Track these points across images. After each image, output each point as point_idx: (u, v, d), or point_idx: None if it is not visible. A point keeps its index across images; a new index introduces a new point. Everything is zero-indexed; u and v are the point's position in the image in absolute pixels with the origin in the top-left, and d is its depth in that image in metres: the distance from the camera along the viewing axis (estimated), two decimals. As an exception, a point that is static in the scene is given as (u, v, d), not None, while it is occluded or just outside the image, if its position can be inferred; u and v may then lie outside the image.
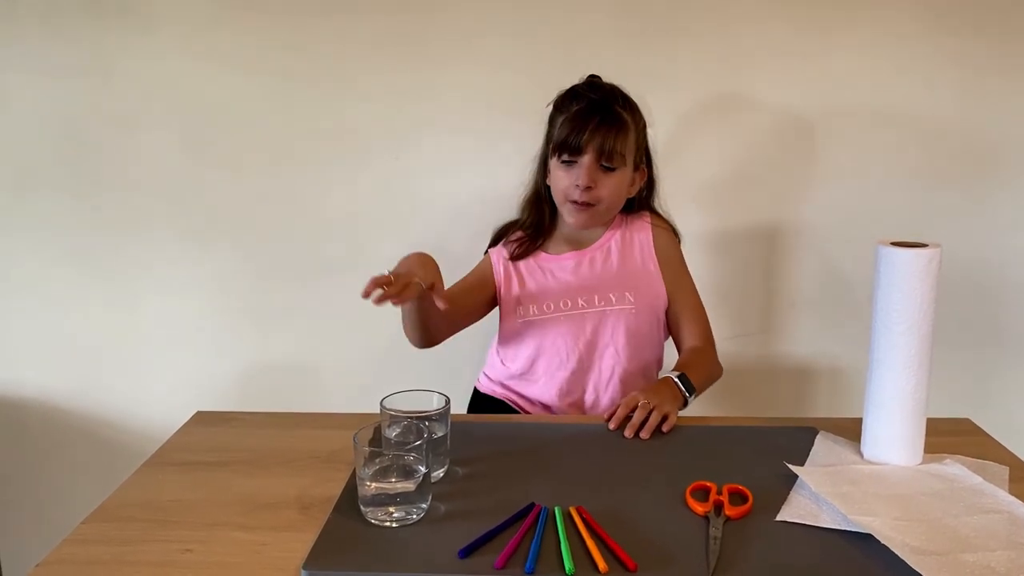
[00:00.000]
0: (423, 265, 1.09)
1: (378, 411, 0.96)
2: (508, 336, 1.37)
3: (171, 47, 1.64)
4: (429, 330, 1.25)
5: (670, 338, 1.40)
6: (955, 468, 0.98)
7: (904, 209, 1.67)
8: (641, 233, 1.36)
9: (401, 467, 0.87)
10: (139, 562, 0.81)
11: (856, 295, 1.70)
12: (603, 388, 1.34)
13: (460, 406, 1.46)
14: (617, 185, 1.28)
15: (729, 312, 1.71)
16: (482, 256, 1.41)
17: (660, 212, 1.40)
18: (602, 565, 0.77)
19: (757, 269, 1.73)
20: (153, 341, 1.79)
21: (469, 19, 1.61)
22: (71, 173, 1.71)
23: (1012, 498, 0.90)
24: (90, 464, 1.85)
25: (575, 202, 1.27)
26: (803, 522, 0.86)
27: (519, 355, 1.36)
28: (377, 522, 0.86)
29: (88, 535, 0.86)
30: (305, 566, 0.78)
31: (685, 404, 1.19)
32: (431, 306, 1.12)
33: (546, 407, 1.36)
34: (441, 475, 0.97)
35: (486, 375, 1.45)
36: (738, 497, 0.91)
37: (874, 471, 0.98)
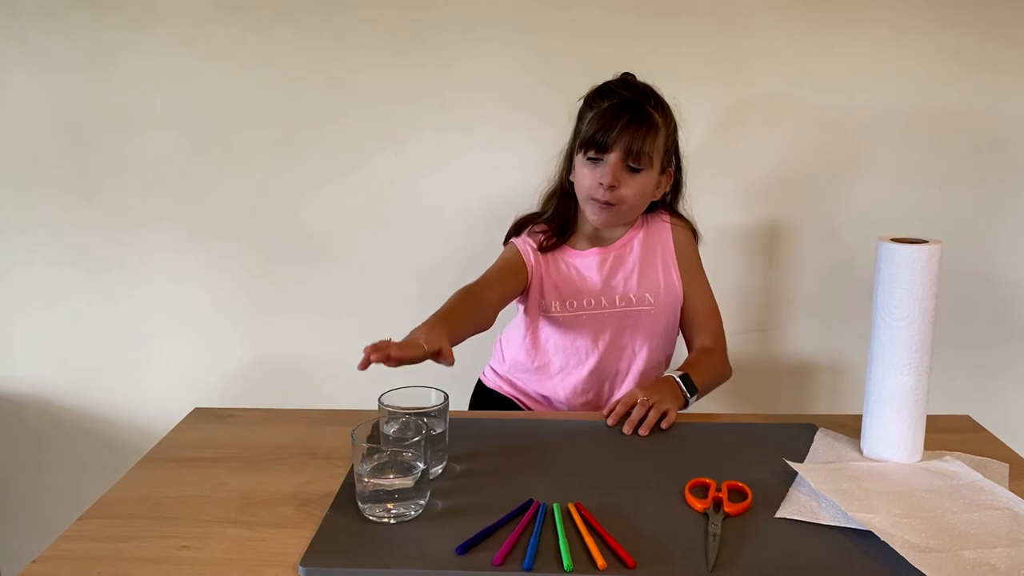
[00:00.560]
0: (429, 331, 1.00)
1: (376, 407, 0.96)
2: (528, 327, 1.35)
3: (171, 43, 1.64)
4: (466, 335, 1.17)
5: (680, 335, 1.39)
6: (955, 465, 0.98)
7: (905, 206, 1.67)
8: (662, 233, 1.33)
9: (399, 463, 0.87)
10: (136, 558, 0.81)
11: (856, 292, 1.69)
12: (619, 387, 1.34)
13: (462, 400, 1.46)
14: (642, 186, 1.25)
15: (730, 309, 1.70)
16: (489, 250, 1.37)
17: (681, 213, 1.37)
18: (600, 562, 0.77)
19: (758, 266, 1.73)
20: (151, 337, 1.79)
21: (471, 13, 1.60)
22: (70, 169, 1.71)
23: (1012, 495, 0.90)
24: (87, 460, 1.85)
25: (598, 201, 1.24)
26: (802, 519, 0.86)
27: (537, 349, 1.35)
28: (375, 518, 0.85)
29: (85, 531, 0.86)
30: (302, 563, 0.78)
31: (686, 404, 1.19)
32: (463, 330, 1.10)
33: (556, 404, 1.36)
34: (439, 471, 0.97)
35: (492, 369, 1.44)
36: (737, 494, 0.91)
37: (874, 468, 0.98)
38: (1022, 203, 1.67)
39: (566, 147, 1.32)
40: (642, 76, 1.29)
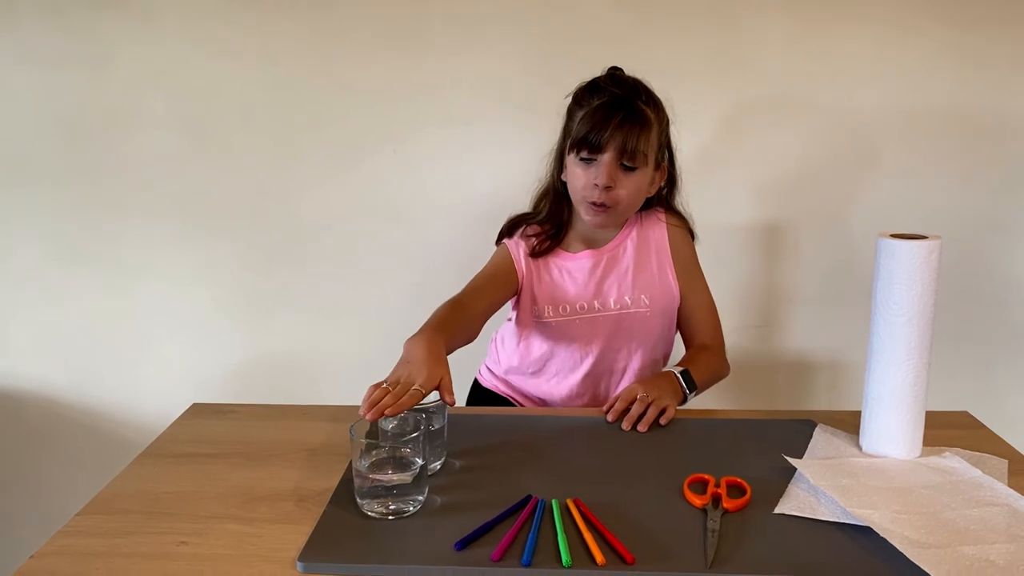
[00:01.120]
0: (426, 362, 0.97)
1: (375, 403, 0.96)
2: (521, 332, 1.34)
3: (170, 38, 1.63)
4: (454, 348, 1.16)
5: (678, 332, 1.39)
6: (954, 461, 0.98)
7: (905, 203, 1.67)
8: (656, 232, 1.31)
9: (398, 459, 0.87)
10: (134, 554, 0.81)
11: (855, 289, 1.69)
12: (615, 388, 1.33)
13: (459, 398, 1.46)
14: (637, 185, 1.21)
15: (730, 305, 1.71)
16: (487, 248, 1.36)
17: (679, 210, 1.34)
18: (599, 558, 0.77)
19: (758, 263, 1.72)
20: (150, 333, 1.79)
21: (471, 10, 1.60)
22: (69, 164, 1.70)
23: (1011, 491, 0.90)
24: (86, 456, 1.85)
25: (593, 202, 1.20)
26: (801, 515, 0.86)
27: (531, 353, 1.34)
28: (373, 514, 0.85)
29: (83, 527, 0.86)
30: (301, 558, 0.78)
31: (684, 400, 1.19)
32: (453, 342, 1.08)
33: (552, 405, 1.35)
34: (438, 467, 0.97)
35: (488, 368, 1.44)
36: (736, 490, 0.91)
37: (873, 464, 0.98)
38: (1023, 200, 1.67)
39: (556, 146, 1.28)
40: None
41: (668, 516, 0.86)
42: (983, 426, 1.12)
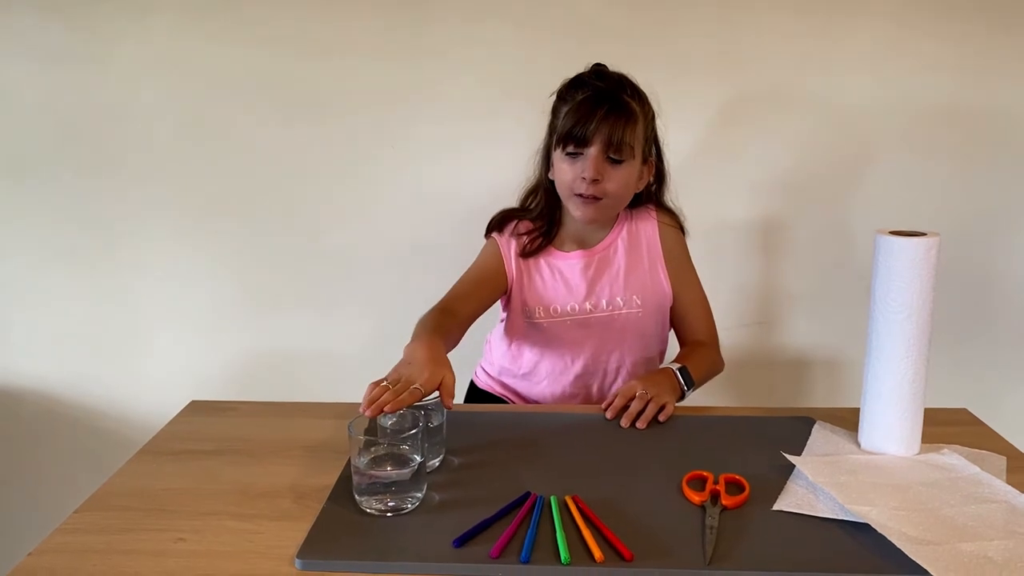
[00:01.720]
0: (428, 363, 0.96)
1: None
2: (511, 334, 1.33)
3: (168, 33, 1.63)
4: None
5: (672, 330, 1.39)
6: (953, 458, 0.98)
7: (904, 200, 1.67)
8: (647, 230, 1.30)
9: (396, 456, 0.87)
10: (132, 551, 0.80)
11: (854, 286, 1.69)
12: (608, 388, 1.33)
13: (456, 397, 1.46)
14: (625, 178, 1.21)
15: (728, 302, 1.71)
16: (481, 243, 1.36)
17: (669, 206, 1.34)
18: (598, 554, 0.77)
19: (756, 260, 1.72)
20: (148, 330, 1.78)
21: (471, 7, 1.59)
22: (67, 161, 1.70)
23: (1009, 488, 0.90)
24: (84, 453, 1.85)
25: (581, 195, 1.20)
26: (800, 512, 0.86)
27: (522, 355, 1.33)
28: (372, 511, 0.85)
29: (81, 524, 0.86)
30: (299, 555, 0.78)
31: (682, 396, 1.19)
32: (445, 347, 1.07)
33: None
34: (436, 464, 0.97)
35: (483, 369, 1.43)
36: (735, 487, 0.91)
37: (871, 461, 0.98)
38: (1022, 198, 1.67)
39: (542, 144, 1.28)
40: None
41: (667, 513, 0.86)
42: (982, 423, 1.12)
